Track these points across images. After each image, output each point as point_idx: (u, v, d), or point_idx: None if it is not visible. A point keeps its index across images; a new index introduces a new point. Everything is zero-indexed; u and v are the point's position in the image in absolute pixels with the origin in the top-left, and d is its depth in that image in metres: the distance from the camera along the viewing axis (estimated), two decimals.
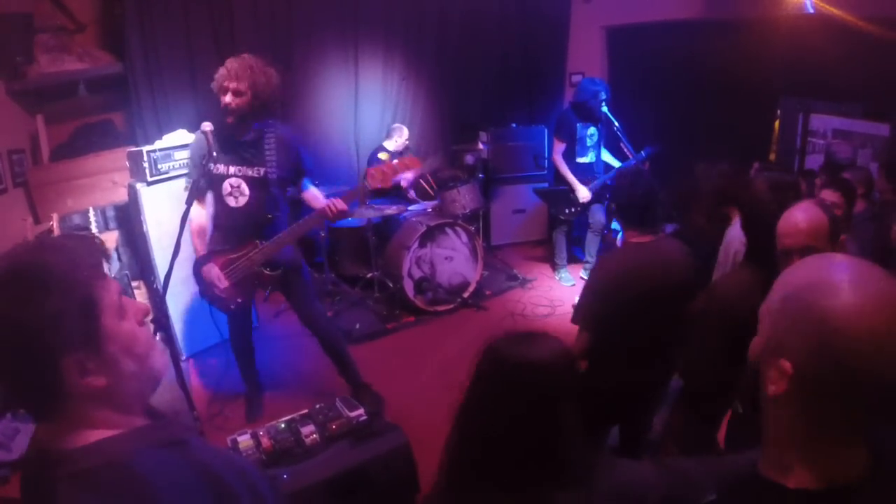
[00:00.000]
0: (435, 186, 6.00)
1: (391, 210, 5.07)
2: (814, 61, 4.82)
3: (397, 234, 5.08)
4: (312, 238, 5.50)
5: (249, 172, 3.32)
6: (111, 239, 4.60)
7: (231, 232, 3.38)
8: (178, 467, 0.98)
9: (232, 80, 3.19)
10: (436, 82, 6.51)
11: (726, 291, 2.37)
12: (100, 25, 5.07)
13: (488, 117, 6.73)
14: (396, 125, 5.83)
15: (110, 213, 4.68)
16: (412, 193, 5.91)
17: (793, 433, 0.90)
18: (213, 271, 3.32)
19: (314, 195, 3.54)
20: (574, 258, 5.97)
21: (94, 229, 4.31)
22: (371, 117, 6.16)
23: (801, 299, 0.88)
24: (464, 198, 5.32)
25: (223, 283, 3.34)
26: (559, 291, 5.57)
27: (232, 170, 3.31)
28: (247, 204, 3.34)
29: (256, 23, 5.38)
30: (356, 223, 5.04)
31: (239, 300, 3.41)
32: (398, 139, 5.72)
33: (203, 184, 3.29)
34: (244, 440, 3.31)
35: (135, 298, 3.40)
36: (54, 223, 4.17)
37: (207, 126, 3.19)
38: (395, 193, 5.70)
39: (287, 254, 3.45)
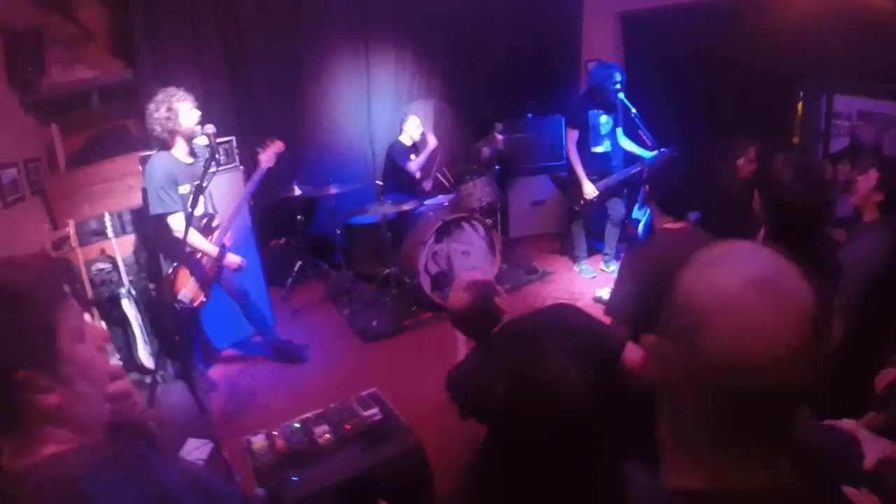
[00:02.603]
0: (451, 179, 5.97)
1: (407, 205, 5.03)
2: (836, 41, 4.69)
3: (413, 229, 5.06)
4: (329, 236, 5.51)
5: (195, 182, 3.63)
6: (128, 243, 4.67)
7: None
8: (129, 486, 0.96)
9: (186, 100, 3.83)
10: (448, 75, 6.49)
11: None
12: (111, 35, 5.10)
13: (503, 108, 6.66)
14: (406, 117, 5.79)
15: (127, 217, 4.74)
16: (428, 185, 5.88)
17: (673, 431, 0.87)
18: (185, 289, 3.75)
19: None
20: (594, 250, 5.89)
21: (110, 233, 4.35)
22: (384, 114, 6.15)
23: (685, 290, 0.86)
24: (480, 191, 5.29)
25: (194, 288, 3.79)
26: (580, 284, 5.50)
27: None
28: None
29: (264, 25, 5.40)
30: (371, 219, 5.02)
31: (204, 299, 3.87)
32: (410, 131, 5.69)
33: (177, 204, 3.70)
34: (258, 441, 3.32)
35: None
36: (71, 229, 4.23)
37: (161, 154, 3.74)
38: (410, 188, 5.68)
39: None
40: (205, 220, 3.87)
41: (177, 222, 3.66)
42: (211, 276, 3.88)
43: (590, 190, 5.16)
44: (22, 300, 0.92)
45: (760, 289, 0.77)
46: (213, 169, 3.47)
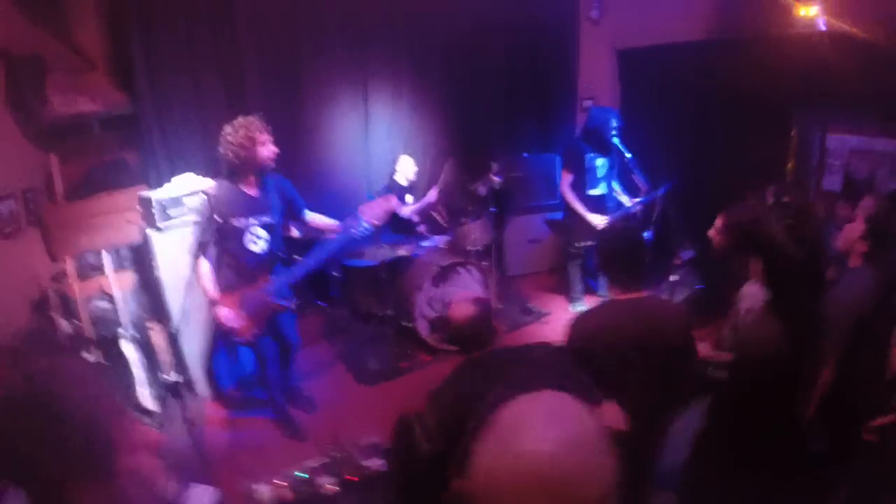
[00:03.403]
0: (446, 217, 6.06)
1: (403, 250, 5.12)
2: (829, 80, 4.80)
3: (409, 273, 5.15)
4: (326, 273, 5.57)
5: (264, 219, 3.74)
6: (126, 279, 4.70)
7: (244, 270, 3.75)
8: None
9: (265, 131, 3.63)
10: (446, 113, 6.59)
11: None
12: (111, 61, 5.14)
13: (499, 146, 6.77)
14: (399, 157, 5.87)
15: (125, 253, 4.77)
16: (422, 228, 5.96)
17: None
18: (224, 312, 3.64)
19: (318, 218, 4.06)
20: (590, 289, 6.01)
21: (108, 270, 4.38)
22: (381, 152, 6.22)
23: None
24: (476, 233, 5.41)
25: (238, 321, 3.67)
26: None
27: (251, 220, 3.69)
28: (263, 248, 3.79)
29: (262, 58, 5.47)
30: (368, 263, 5.10)
31: (255, 331, 3.77)
32: (404, 172, 5.78)
33: (212, 238, 3.67)
34: (262, 489, 3.40)
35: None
36: (69, 266, 4.25)
37: (224, 183, 3.66)
38: (405, 228, 5.77)
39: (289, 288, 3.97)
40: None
41: (202, 264, 3.69)
42: (261, 315, 3.83)
43: (597, 220, 5.22)
44: (75, 418, 0.99)
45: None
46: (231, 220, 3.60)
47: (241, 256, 3.75)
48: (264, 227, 3.76)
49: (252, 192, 3.74)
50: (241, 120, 3.62)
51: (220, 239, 3.70)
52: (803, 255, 2.36)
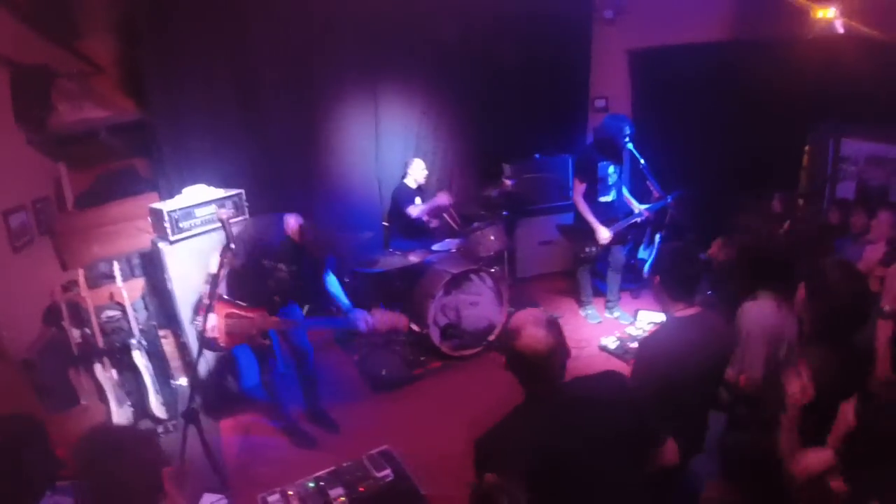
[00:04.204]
0: (458, 220, 6.09)
1: (414, 256, 5.17)
2: (845, 84, 4.78)
3: (422, 281, 5.18)
4: (340, 281, 5.61)
5: (292, 268, 3.85)
6: (137, 287, 4.77)
7: (249, 291, 3.81)
8: None
9: None
10: (457, 115, 6.62)
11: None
12: (119, 67, 5.15)
13: (511, 148, 6.80)
14: (410, 160, 5.93)
15: (136, 261, 4.83)
16: (434, 223, 6.00)
17: None
18: (212, 319, 3.67)
19: (335, 291, 4.12)
20: (599, 292, 6.04)
21: (118, 280, 4.44)
22: (393, 155, 6.27)
23: None
24: (489, 239, 5.44)
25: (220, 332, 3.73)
26: (586, 330, 5.65)
27: (281, 266, 3.82)
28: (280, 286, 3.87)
29: (276, 66, 5.48)
30: (381, 270, 5.14)
31: (224, 346, 3.81)
32: (415, 175, 5.83)
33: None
34: (274, 500, 3.46)
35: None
36: (80, 277, 4.32)
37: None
38: (416, 231, 5.82)
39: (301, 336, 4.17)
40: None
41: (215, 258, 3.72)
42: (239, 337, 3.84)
43: (605, 235, 5.27)
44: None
45: None
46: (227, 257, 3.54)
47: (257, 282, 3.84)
48: (289, 273, 3.86)
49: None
50: None
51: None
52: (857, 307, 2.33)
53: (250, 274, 3.77)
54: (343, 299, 4.05)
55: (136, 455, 1.98)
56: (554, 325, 2.05)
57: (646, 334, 4.07)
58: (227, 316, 3.71)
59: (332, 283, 4.11)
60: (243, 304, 3.75)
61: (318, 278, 4.06)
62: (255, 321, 3.71)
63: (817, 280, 2.36)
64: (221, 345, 3.75)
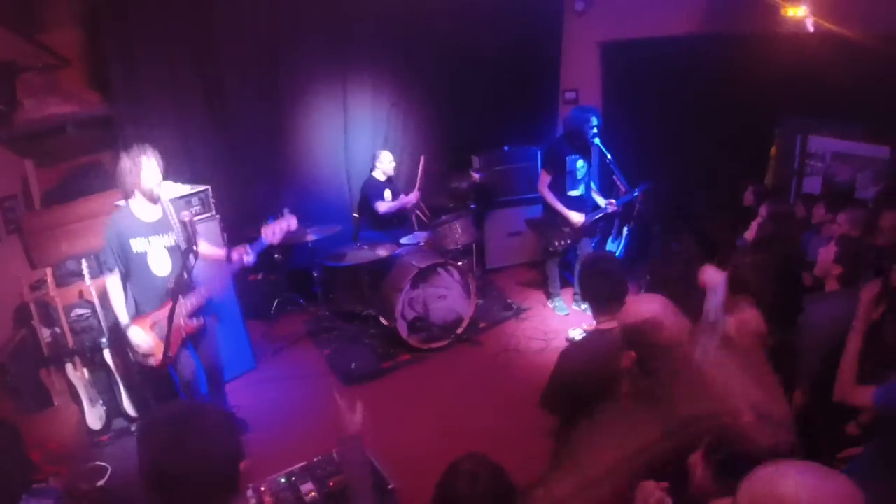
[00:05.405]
0: (427, 213, 6.24)
1: (382, 250, 5.29)
2: (813, 81, 4.89)
3: (390, 274, 5.32)
4: (307, 271, 5.74)
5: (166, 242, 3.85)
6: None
7: (153, 294, 3.83)
8: None
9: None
10: (426, 106, 6.73)
11: None
12: (85, 61, 5.16)
13: (481, 139, 6.94)
14: (378, 152, 5.99)
15: (104, 258, 4.87)
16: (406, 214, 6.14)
17: None
18: (142, 339, 3.73)
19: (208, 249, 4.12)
20: (567, 283, 6.24)
21: (87, 277, 4.48)
22: (362, 147, 6.35)
23: None
24: (457, 232, 5.59)
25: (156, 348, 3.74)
26: (554, 322, 5.85)
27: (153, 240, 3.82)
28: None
29: (242, 58, 5.54)
30: (349, 264, 5.27)
31: (170, 355, 3.75)
32: (383, 167, 5.91)
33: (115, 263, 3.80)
34: (248, 495, 3.58)
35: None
36: (49, 276, 4.37)
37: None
38: (385, 223, 5.94)
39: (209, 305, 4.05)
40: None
41: (111, 283, 3.81)
42: (176, 337, 3.81)
43: (577, 218, 5.42)
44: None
45: None
46: (191, 261, 3.60)
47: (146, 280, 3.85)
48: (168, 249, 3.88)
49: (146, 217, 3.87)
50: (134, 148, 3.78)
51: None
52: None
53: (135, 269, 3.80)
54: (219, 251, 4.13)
55: (229, 441, 1.60)
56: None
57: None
58: (152, 327, 3.77)
59: (203, 247, 4.05)
60: (150, 308, 3.82)
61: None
62: (177, 311, 3.68)
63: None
64: (161, 362, 3.75)
